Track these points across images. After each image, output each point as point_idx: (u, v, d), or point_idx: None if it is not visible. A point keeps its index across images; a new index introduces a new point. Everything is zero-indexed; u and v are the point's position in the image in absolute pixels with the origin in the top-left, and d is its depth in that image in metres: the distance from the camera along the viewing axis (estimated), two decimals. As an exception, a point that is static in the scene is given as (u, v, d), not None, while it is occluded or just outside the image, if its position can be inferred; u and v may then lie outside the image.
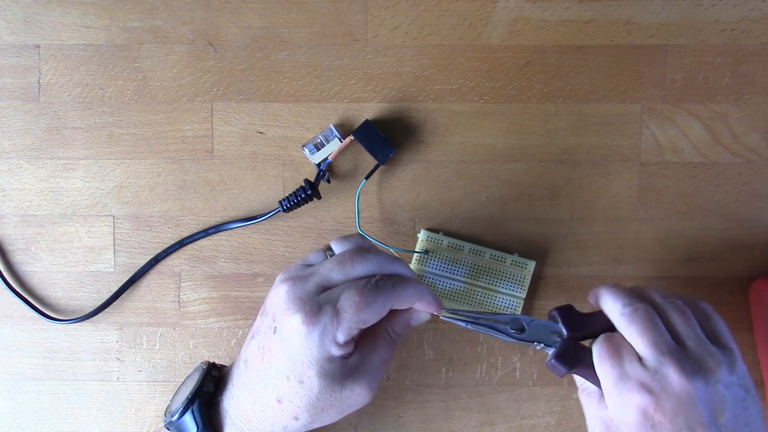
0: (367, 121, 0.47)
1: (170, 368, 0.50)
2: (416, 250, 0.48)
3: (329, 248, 0.41)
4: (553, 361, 0.38)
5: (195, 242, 0.49)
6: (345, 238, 0.41)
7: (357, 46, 0.49)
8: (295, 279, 0.38)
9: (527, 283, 0.48)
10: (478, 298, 0.48)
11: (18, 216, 0.49)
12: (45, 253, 0.49)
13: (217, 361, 0.44)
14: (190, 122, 0.49)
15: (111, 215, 0.49)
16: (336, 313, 0.36)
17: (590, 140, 0.49)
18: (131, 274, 0.49)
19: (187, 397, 0.40)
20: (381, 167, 0.48)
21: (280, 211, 0.48)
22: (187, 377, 0.43)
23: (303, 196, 0.47)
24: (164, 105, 0.49)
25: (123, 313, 0.49)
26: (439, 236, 0.48)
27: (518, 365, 0.49)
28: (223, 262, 0.49)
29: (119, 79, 0.49)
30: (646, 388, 0.35)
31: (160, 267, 0.49)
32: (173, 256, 0.49)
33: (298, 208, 0.48)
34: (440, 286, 0.48)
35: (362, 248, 0.39)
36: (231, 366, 0.42)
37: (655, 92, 0.48)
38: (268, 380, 0.38)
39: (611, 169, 0.49)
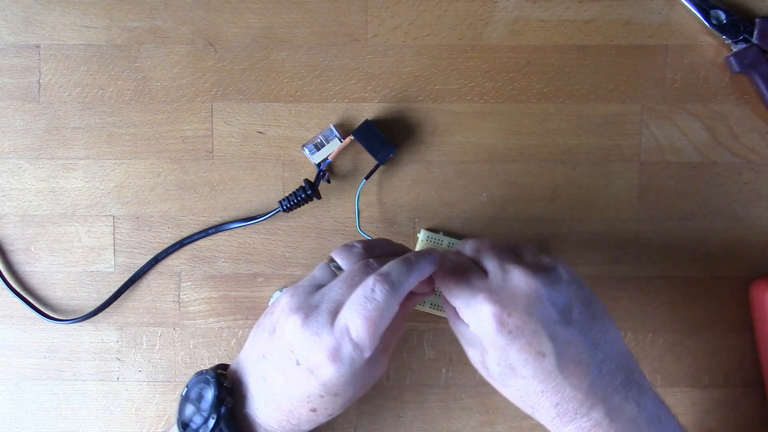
0: (367, 121, 0.47)
1: (170, 368, 0.49)
2: (416, 250, 0.48)
3: (332, 260, 0.40)
4: None
5: (195, 242, 0.49)
6: (347, 249, 0.40)
7: (357, 46, 0.49)
8: (307, 310, 0.37)
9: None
10: None
11: (18, 216, 0.49)
12: (45, 253, 0.49)
13: (217, 361, 0.43)
14: (190, 122, 0.49)
15: (111, 215, 0.49)
16: (353, 342, 0.36)
17: (590, 140, 0.49)
18: (131, 274, 0.49)
19: (211, 413, 0.39)
20: (381, 167, 0.48)
21: (280, 211, 0.48)
22: (190, 387, 0.41)
23: (303, 196, 0.47)
24: (164, 105, 0.49)
25: (123, 313, 0.49)
26: (439, 236, 0.48)
27: (518, 365, 0.49)
28: (223, 262, 0.49)
29: (119, 79, 0.49)
30: (494, 297, 0.36)
31: (160, 267, 0.49)
32: (173, 256, 0.49)
33: (298, 208, 0.48)
34: None
35: (367, 265, 0.38)
36: (240, 374, 0.41)
37: (655, 92, 0.48)
38: (298, 399, 0.38)
39: (611, 169, 0.49)
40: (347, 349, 0.36)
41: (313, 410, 0.38)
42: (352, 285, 0.37)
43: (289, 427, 0.40)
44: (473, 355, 0.40)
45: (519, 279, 0.36)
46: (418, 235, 0.48)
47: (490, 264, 0.38)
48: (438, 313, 0.48)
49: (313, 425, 0.40)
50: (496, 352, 0.37)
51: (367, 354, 0.36)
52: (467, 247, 0.41)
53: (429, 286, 0.41)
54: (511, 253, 0.39)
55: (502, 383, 0.38)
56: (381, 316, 0.36)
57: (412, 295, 0.40)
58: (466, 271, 0.38)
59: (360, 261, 0.39)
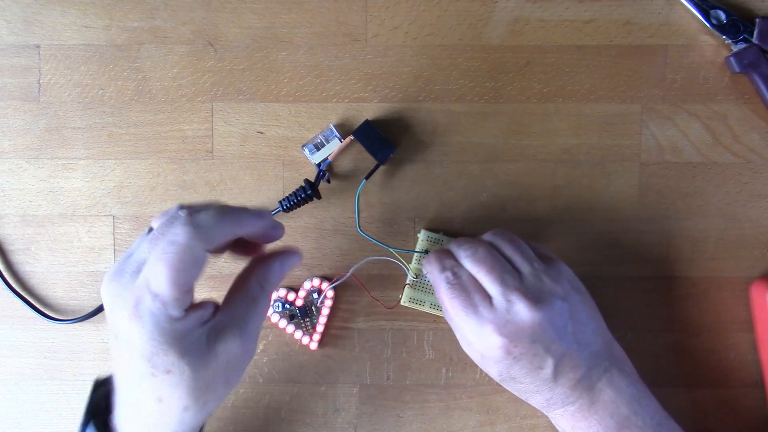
0: (367, 121, 0.47)
1: (170, 368, 0.49)
2: (416, 250, 0.48)
3: (151, 229, 0.36)
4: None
5: (195, 242, 0.49)
6: (165, 212, 0.36)
7: (357, 46, 0.49)
8: (113, 275, 0.35)
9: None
10: None
11: (18, 216, 0.49)
12: (45, 253, 0.49)
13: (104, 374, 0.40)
14: (190, 122, 0.49)
15: (111, 215, 0.49)
16: (153, 293, 0.33)
17: (590, 140, 0.49)
18: (131, 274, 0.49)
19: (81, 422, 0.37)
20: (381, 167, 0.48)
21: (280, 211, 0.48)
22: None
23: (303, 196, 0.47)
24: (164, 105, 0.49)
25: (123, 313, 0.49)
26: (439, 236, 0.48)
27: (518, 365, 0.49)
28: (223, 262, 0.49)
29: (119, 79, 0.49)
30: (502, 330, 0.39)
31: (160, 267, 0.49)
32: (173, 256, 0.49)
33: (298, 208, 0.48)
34: None
35: (175, 217, 0.35)
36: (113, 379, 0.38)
37: (655, 92, 0.48)
38: (137, 387, 0.35)
39: (611, 169, 0.49)
40: (146, 301, 0.33)
41: (159, 400, 0.34)
42: (153, 238, 0.34)
43: (147, 429, 0.36)
44: (473, 353, 0.43)
45: (523, 312, 0.39)
46: (418, 235, 0.48)
47: (493, 289, 0.40)
48: (438, 313, 0.48)
49: (173, 425, 0.35)
50: (499, 367, 0.41)
51: (174, 311, 0.33)
52: (464, 259, 0.42)
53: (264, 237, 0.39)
54: (512, 272, 0.41)
55: (501, 383, 0.42)
56: (182, 260, 0.33)
57: (262, 263, 0.38)
58: (470, 294, 0.41)
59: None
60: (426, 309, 0.48)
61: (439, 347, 0.49)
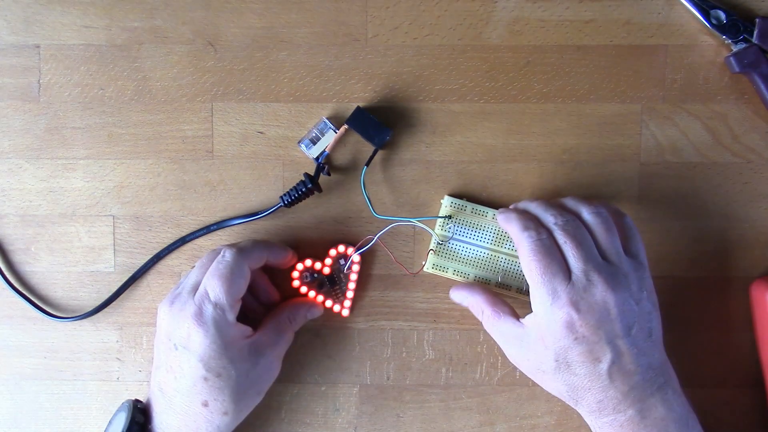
0: (359, 108, 0.47)
1: (170, 368, 0.49)
2: (439, 215, 0.47)
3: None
4: None
5: (196, 241, 0.49)
6: (212, 251, 0.45)
7: (357, 46, 0.49)
8: (171, 299, 0.43)
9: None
10: (502, 264, 0.47)
11: (18, 216, 0.49)
12: (45, 253, 0.49)
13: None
14: (190, 122, 0.49)
15: (111, 215, 0.49)
16: (212, 302, 0.41)
17: (590, 140, 0.49)
18: (131, 274, 0.49)
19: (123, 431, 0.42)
20: (381, 158, 0.48)
21: (281, 206, 0.48)
22: (112, 418, 0.43)
23: (304, 190, 0.47)
24: (164, 105, 0.49)
25: (123, 313, 0.49)
26: (463, 202, 0.47)
27: (518, 365, 0.49)
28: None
29: (119, 79, 0.49)
30: (573, 305, 0.39)
31: (161, 267, 0.49)
32: (173, 255, 0.49)
33: (300, 203, 0.48)
34: (464, 253, 0.47)
35: (215, 249, 0.44)
36: (148, 401, 0.44)
37: (655, 92, 0.48)
38: (187, 392, 0.41)
39: (611, 169, 0.49)
40: (208, 309, 0.41)
41: (205, 404, 0.41)
42: (205, 264, 0.43)
43: None
44: (516, 353, 0.43)
45: (599, 294, 0.39)
46: (442, 201, 0.48)
47: (577, 265, 0.40)
48: (459, 279, 0.47)
49: (211, 430, 0.42)
50: (556, 348, 0.40)
51: (230, 315, 0.41)
52: (553, 225, 0.41)
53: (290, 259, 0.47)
54: (597, 256, 0.40)
55: (553, 377, 0.41)
56: (232, 273, 0.41)
57: (294, 304, 0.46)
58: (552, 263, 0.40)
59: None
60: (449, 275, 0.47)
61: (439, 347, 0.49)
